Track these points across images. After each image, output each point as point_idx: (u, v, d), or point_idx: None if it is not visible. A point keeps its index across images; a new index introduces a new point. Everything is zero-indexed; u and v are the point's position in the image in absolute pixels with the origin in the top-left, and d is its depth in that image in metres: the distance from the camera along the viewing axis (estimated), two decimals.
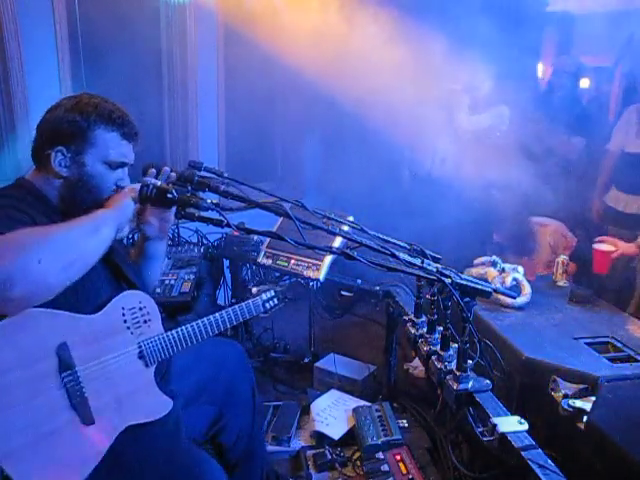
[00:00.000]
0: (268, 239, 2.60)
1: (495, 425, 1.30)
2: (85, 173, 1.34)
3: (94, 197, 1.35)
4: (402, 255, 1.34)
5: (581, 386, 1.60)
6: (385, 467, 2.01)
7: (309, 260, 2.46)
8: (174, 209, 1.45)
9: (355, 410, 2.31)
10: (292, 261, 2.51)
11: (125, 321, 1.39)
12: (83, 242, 1.17)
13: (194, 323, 1.54)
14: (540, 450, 1.24)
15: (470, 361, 1.46)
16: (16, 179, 1.39)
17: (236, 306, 1.66)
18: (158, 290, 2.39)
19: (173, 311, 2.37)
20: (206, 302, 2.63)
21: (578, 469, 1.35)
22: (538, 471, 1.17)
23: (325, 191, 4.42)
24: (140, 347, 1.41)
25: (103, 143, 1.34)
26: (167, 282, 2.47)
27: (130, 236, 2.40)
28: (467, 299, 1.37)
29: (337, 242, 2.31)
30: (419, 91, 3.69)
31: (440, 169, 3.70)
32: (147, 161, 1.46)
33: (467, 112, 3.54)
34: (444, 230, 3.05)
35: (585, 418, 1.46)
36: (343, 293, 2.73)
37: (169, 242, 2.86)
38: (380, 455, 2.08)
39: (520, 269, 2.28)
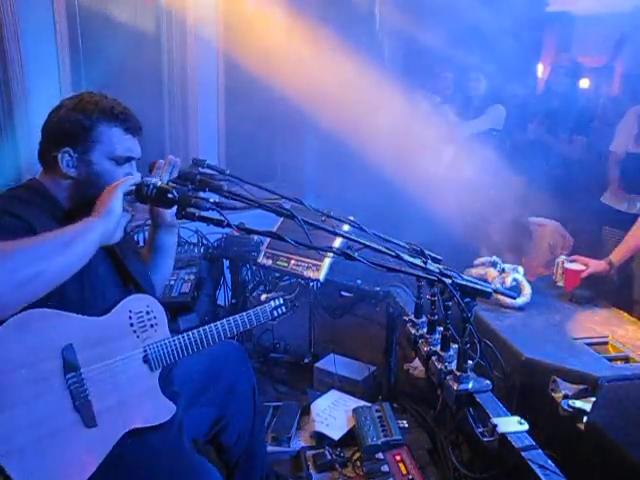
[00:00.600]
0: (268, 239, 2.60)
1: (495, 425, 1.30)
2: (93, 172, 1.34)
3: None
4: (404, 256, 1.34)
5: (581, 386, 1.60)
6: (385, 467, 2.02)
7: (309, 260, 2.46)
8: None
9: (355, 410, 2.31)
10: (292, 261, 2.51)
11: (132, 324, 1.39)
12: (48, 259, 1.10)
13: (200, 329, 1.53)
14: (540, 450, 1.24)
15: (470, 361, 1.46)
16: (28, 179, 1.39)
17: (244, 313, 1.66)
18: None
19: (173, 311, 2.37)
20: (206, 302, 2.63)
21: (578, 469, 1.35)
22: (538, 471, 1.17)
23: (325, 191, 4.43)
24: (145, 351, 1.41)
25: (107, 139, 1.35)
26: (167, 282, 2.47)
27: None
28: (467, 299, 1.37)
29: (337, 242, 2.31)
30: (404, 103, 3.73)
31: (437, 171, 3.72)
32: (148, 161, 1.46)
33: (456, 119, 3.54)
34: (442, 230, 3.06)
35: (585, 418, 1.46)
36: (343, 293, 2.73)
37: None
38: (380, 455, 2.08)
39: (520, 269, 2.28)
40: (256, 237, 2.78)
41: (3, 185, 2.57)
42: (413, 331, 1.86)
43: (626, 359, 1.79)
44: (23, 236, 1.16)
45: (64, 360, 1.22)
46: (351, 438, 2.23)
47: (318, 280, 2.44)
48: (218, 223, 1.28)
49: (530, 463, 1.19)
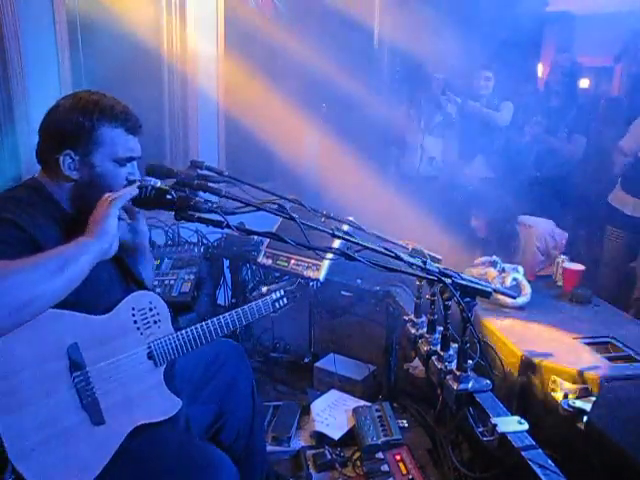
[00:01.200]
0: (268, 239, 2.60)
1: (495, 425, 1.31)
2: (96, 174, 1.33)
3: None
4: (404, 256, 1.34)
5: (581, 386, 1.60)
6: (385, 467, 2.02)
7: (309, 260, 2.46)
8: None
9: (355, 410, 2.31)
10: (292, 261, 2.51)
11: (135, 322, 1.40)
12: (44, 283, 1.08)
13: (203, 323, 1.54)
14: (540, 450, 1.24)
15: (470, 361, 1.46)
16: (28, 179, 1.38)
17: (246, 306, 1.67)
18: (158, 290, 2.39)
19: (173, 311, 2.36)
20: (206, 302, 2.63)
21: (578, 469, 1.35)
22: (538, 471, 1.17)
23: (325, 191, 4.42)
24: (150, 348, 1.42)
25: (110, 141, 1.33)
26: (167, 282, 2.47)
27: None
28: (467, 299, 1.37)
29: (337, 243, 2.31)
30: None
31: (428, 167, 3.73)
32: (148, 162, 1.46)
33: (489, 110, 3.53)
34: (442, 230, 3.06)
35: (585, 418, 1.46)
36: (343, 293, 2.73)
37: (169, 242, 2.86)
38: (380, 455, 2.08)
39: (520, 269, 2.28)
40: (256, 237, 2.78)
41: (3, 185, 2.58)
42: (413, 331, 1.87)
43: (626, 359, 1.79)
44: (23, 245, 1.16)
45: (70, 359, 1.23)
46: (351, 438, 2.23)
47: (318, 280, 2.44)
48: (217, 224, 1.27)
49: (530, 463, 1.19)
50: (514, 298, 2.10)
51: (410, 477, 1.96)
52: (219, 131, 3.75)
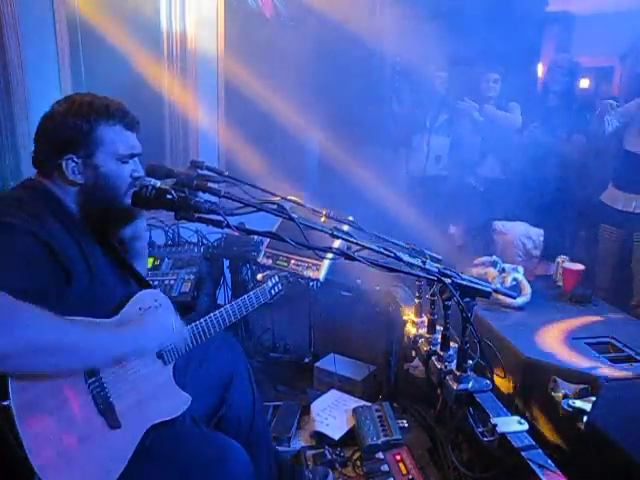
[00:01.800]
0: (268, 239, 2.60)
1: (495, 425, 1.31)
2: (100, 174, 1.33)
3: (112, 195, 1.36)
4: (404, 256, 1.34)
5: (581, 386, 1.60)
6: (385, 467, 2.01)
7: (309, 260, 2.46)
8: None
9: (355, 410, 2.31)
10: (292, 261, 2.51)
11: None
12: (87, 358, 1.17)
13: (207, 317, 1.57)
14: (540, 450, 1.24)
15: (470, 361, 1.46)
16: (26, 179, 1.37)
17: (245, 296, 1.70)
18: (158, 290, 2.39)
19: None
20: (206, 302, 2.63)
21: (578, 469, 1.35)
22: (538, 471, 1.17)
23: (325, 191, 4.43)
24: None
25: (109, 139, 1.33)
26: (167, 282, 2.47)
27: None
28: (467, 299, 1.37)
29: (337, 243, 2.31)
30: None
31: (435, 166, 3.73)
32: (147, 162, 1.46)
33: (504, 112, 3.53)
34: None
35: (585, 418, 1.46)
36: (343, 293, 2.73)
37: (169, 242, 2.86)
38: (380, 455, 2.08)
39: (520, 269, 2.28)
40: (256, 237, 2.78)
41: (3, 185, 2.58)
42: (413, 331, 1.87)
43: (626, 359, 1.79)
44: (41, 255, 1.17)
45: None
46: (351, 438, 2.23)
47: (318, 280, 2.45)
48: (217, 224, 1.28)
49: (530, 463, 1.19)
50: (514, 298, 2.10)
51: (410, 477, 1.96)
52: (219, 131, 3.75)
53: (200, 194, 1.38)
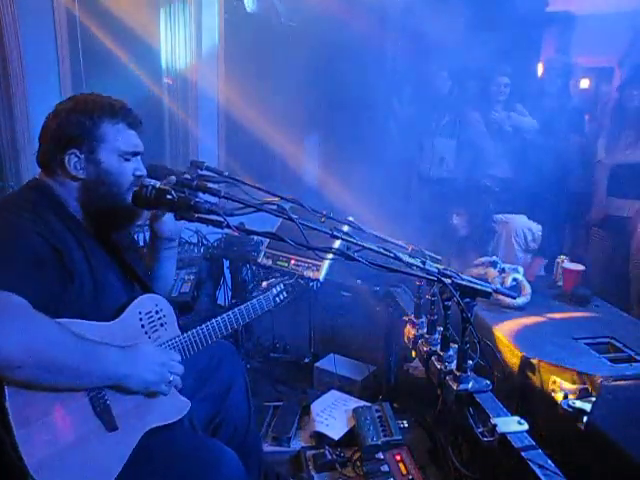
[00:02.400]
0: (268, 239, 2.60)
1: (495, 425, 1.31)
2: (102, 170, 1.34)
3: (114, 193, 1.36)
4: (404, 256, 1.34)
5: (581, 386, 1.60)
6: (385, 467, 2.01)
7: (309, 260, 2.46)
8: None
9: (355, 410, 2.31)
10: (292, 261, 2.51)
11: (142, 326, 1.40)
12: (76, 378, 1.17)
13: (208, 323, 1.55)
14: (540, 450, 1.24)
15: (470, 361, 1.46)
16: (31, 179, 1.38)
17: (248, 303, 1.67)
18: None
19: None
20: (206, 302, 2.63)
21: (578, 469, 1.35)
22: (538, 471, 1.17)
23: (325, 191, 4.43)
24: None
25: (112, 136, 1.34)
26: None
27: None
28: (467, 299, 1.37)
29: (337, 243, 2.31)
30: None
31: (439, 168, 3.73)
32: (147, 162, 1.46)
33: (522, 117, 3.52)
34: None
35: (585, 418, 1.46)
36: (343, 293, 2.73)
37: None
38: (380, 455, 2.08)
39: (520, 269, 2.28)
40: (256, 237, 2.78)
41: (3, 186, 2.58)
42: (413, 331, 1.87)
43: (626, 359, 1.79)
44: (49, 257, 1.18)
45: None
46: (351, 438, 2.22)
47: (318, 280, 2.45)
48: (217, 224, 1.28)
49: (530, 463, 1.19)
50: (514, 298, 2.10)
51: (410, 477, 1.96)
52: (219, 131, 3.75)
53: (200, 194, 1.38)
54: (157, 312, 1.43)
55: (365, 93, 3.88)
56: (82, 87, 2.86)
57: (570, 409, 1.51)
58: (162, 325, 1.44)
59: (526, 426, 1.31)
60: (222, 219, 1.27)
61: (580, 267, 2.34)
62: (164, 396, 1.36)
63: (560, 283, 2.42)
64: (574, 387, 1.60)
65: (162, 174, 1.44)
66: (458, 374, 1.45)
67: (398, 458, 2.04)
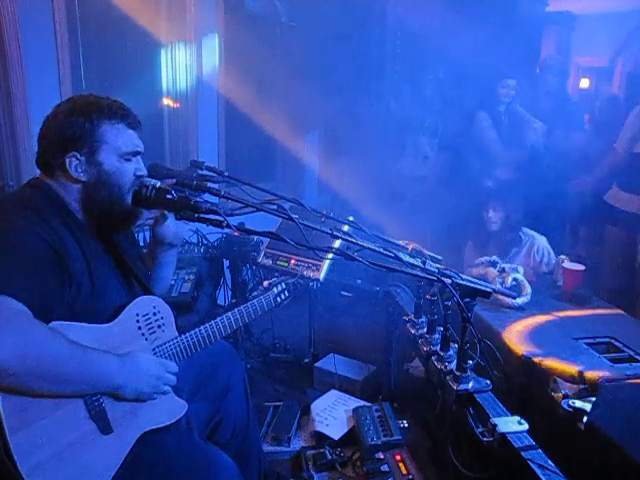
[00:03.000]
0: (268, 239, 2.60)
1: (495, 425, 1.31)
2: (103, 172, 1.34)
3: (116, 193, 1.36)
4: (403, 256, 1.34)
5: (581, 386, 1.60)
6: (385, 467, 2.01)
7: (309, 260, 2.46)
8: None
9: (355, 410, 2.31)
10: (292, 261, 2.51)
11: (139, 328, 1.39)
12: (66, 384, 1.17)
13: (207, 325, 1.53)
14: (540, 450, 1.24)
15: (470, 361, 1.46)
16: (32, 179, 1.38)
17: (249, 303, 1.65)
18: None
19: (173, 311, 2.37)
20: (206, 302, 2.63)
21: (578, 469, 1.35)
22: (538, 471, 1.17)
23: (325, 190, 4.43)
24: (155, 353, 1.41)
25: (112, 137, 1.34)
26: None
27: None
28: (467, 299, 1.37)
29: (337, 243, 2.31)
30: None
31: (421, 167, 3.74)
32: (148, 162, 1.46)
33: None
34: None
35: (585, 418, 1.46)
36: (343, 293, 2.73)
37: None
38: (380, 455, 2.08)
39: (520, 269, 2.28)
40: (256, 237, 2.78)
41: (2, 186, 2.58)
42: (413, 331, 1.87)
43: (626, 359, 1.79)
44: (50, 258, 1.19)
45: None
46: (351, 438, 2.22)
47: (318, 280, 2.45)
48: (218, 224, 1.28)
49: (530, 463, 1.19)
50: (514, 298, 2.10)
51: (410, 477, 1.96)
52: (219, 131, 3.75)
53: (200, 194, 1.38)
54: (155, 314, 1.42)
55: (365, 91, 3.89)
56: (82, 88, 2.86)
57: (570, 409, 1.51)
58: (159, 327, 1.43)
59: (526, 426, 1.31)
60: (222, 219, 1.27)
61: (580, 267, 2.34)
62: (160, 399, 1.36)
63: (560, 283, 2.42)
64: (574, 387, 1.60)
65: (162, 174, 1.45)
66: (458, 374, 1.45)
67: (398, 458, 2.04)
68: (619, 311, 2.19)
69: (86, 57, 2.90)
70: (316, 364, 2.75)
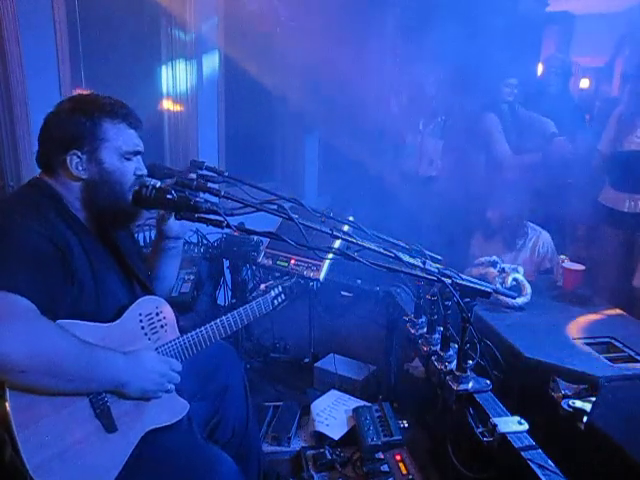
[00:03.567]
0: (268, 239, 2.60)
1: (495, 425, 1.31)
2: (104, 170, 1.34)
3: (116, 192, 1.36)
4: (403, 256, 1.34)
5: (581, 386, 1.60)
6: (385, 467, 2.01)
7: (309, 260, 2.46)
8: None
9: (355, 410, 2.31)
10: (292, 261, 2.51)
11: (142, 327, 1.40)
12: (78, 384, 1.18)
13: (207, 326, 1.54)
14: (540, 450, 1.24)
15: (470, 361, 1.46)
16: (32, 178, 1.38)
17: (247, 305, 1.67)
18: None
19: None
20: (206, 302, 2.63)
21: (578, 469, 1.35)
22: (538, 471, 1.17)
23: (325, 190, 4.43)
24: (158, 353, 1.41)
25: (114, 136, 1.35)
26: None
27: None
28: (467, 299, 1.37)
29: (337, 243, 2.31)
30: None
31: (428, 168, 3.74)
32: (148, 162, 1.46)
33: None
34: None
35: (585, 418, 1.46)
36: (343, 293, 2.73)
37: None
38: (380, 455, 2.08)
39: (520, 269, 2.28)
40: (256, 237, 2.78)
41: (2, 186, 2.58)
42: (413, 331, 1.87)
43: (626, 359, 1.78)
44: (53, 257, 1.19)
45: None
46: (351, 438, 2.22)
47: (318, 280, 2.44)
48: (218, 224, 1.28)
49: (530, 463, 1.19)
50: (514, 298, 2.10)
51: (410, 477, 1.96)
52: (219, 131, 3.75)
53: (200, 194, 1.38)
54: (157, 314, 1.43)
55: (364, 92, 3.88)
56: (82, 87, 2.86)
57: (570, 409, 1.51)
58: (162, 327, 1.44)
59: (526, 426, 1.31)
60: (222, 219, 1.27)
61: (580, 267, 2.34)
62: (163, 398, 1.36)
63: (560, 283, 2.42)
64: (574, 387, 1.60)
65: (162, 174, 1.45)
66: (458, 374, 1.45)
67: (398, 458, 2.04)
68: (619, 311, 2.19)
69: (86, 57, 2.90)
70: (316, 364, 2.75)
